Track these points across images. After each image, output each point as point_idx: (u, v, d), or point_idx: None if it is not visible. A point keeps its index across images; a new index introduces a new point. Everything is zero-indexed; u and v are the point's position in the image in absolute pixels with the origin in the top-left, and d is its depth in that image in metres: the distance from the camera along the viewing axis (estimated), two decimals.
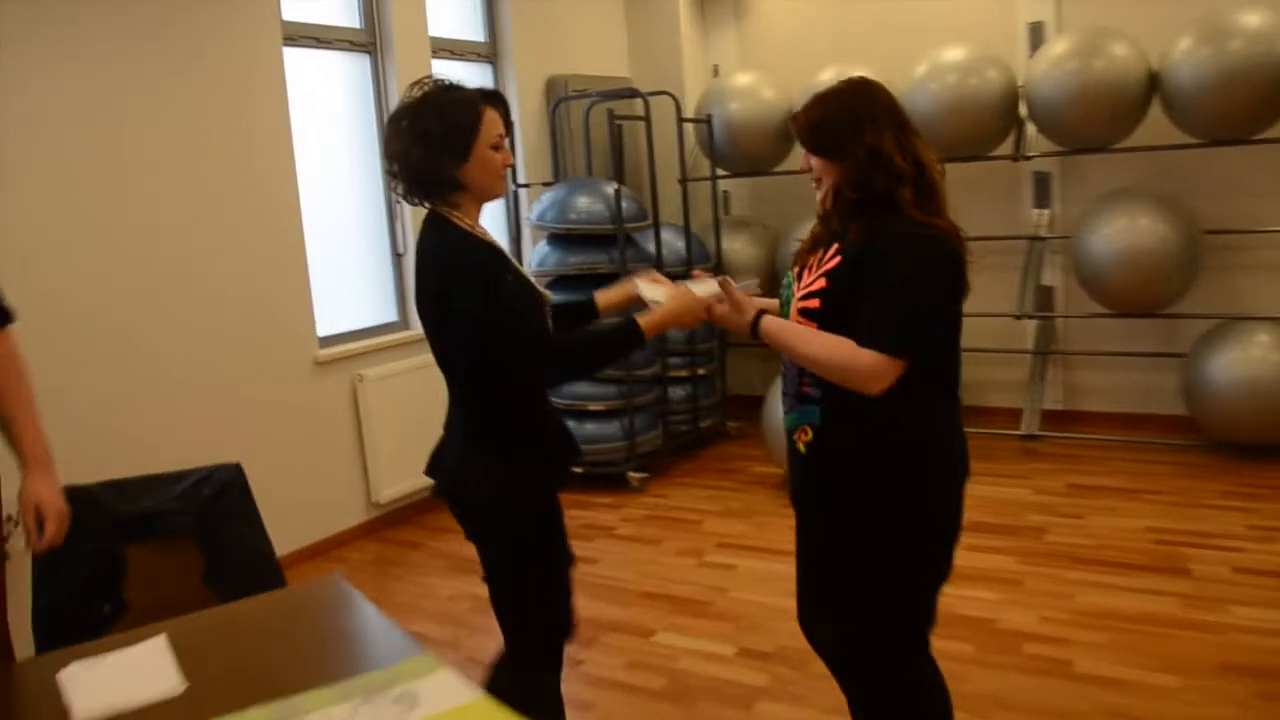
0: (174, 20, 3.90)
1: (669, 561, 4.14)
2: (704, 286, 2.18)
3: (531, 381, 2.09)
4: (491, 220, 5.49)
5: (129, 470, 2.75)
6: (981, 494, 4.49)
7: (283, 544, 4.15)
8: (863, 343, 1.85)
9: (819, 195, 2.02)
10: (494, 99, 2.10)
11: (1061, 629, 3.25)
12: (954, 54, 5.12)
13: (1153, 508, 4.27)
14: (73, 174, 3.61)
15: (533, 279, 2.18)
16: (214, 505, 2.63)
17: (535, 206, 5.09)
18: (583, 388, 5.01)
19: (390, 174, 2.08)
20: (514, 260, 2.14)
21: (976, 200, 5.56)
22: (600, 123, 5.21)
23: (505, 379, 2.04)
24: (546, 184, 5.25)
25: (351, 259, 4.83)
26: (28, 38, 3.46)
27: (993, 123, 5.14)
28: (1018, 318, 5.19)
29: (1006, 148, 5.30)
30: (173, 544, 2.62)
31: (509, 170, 2.15)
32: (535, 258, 5.09)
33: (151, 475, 2.71)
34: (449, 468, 2.17)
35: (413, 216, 4.88)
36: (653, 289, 2.26)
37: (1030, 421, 5.32)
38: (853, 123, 1.92)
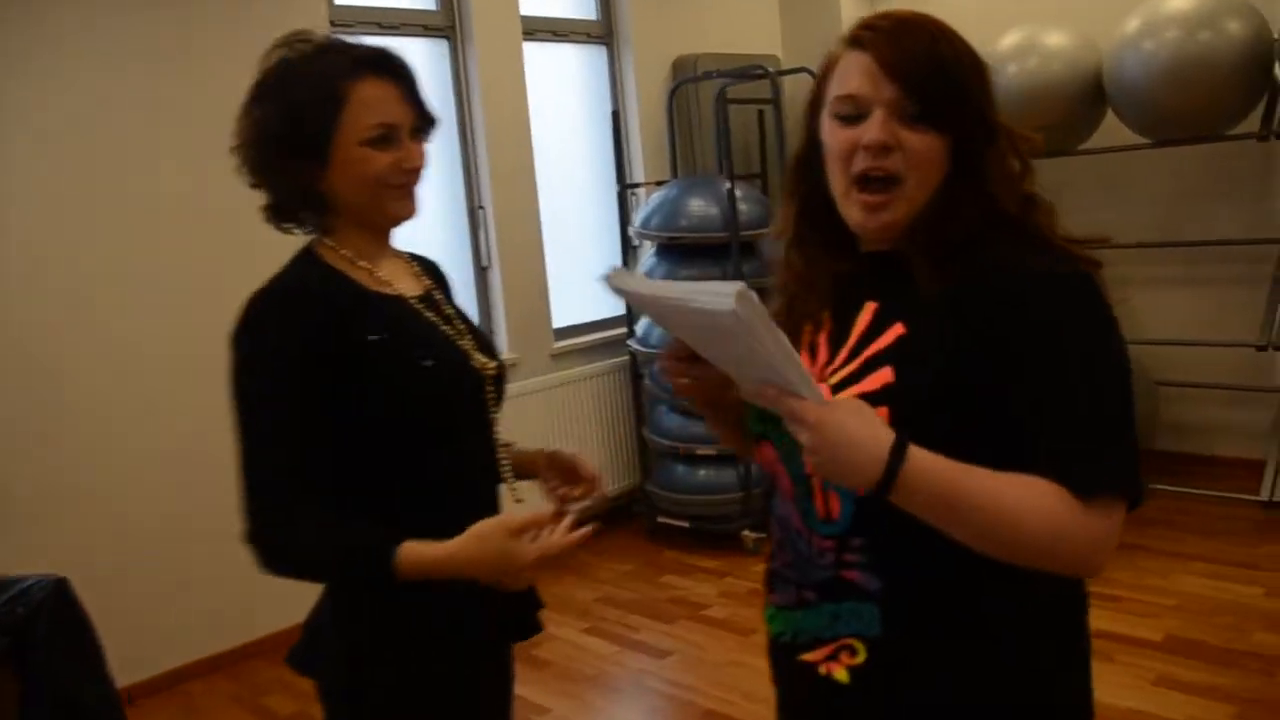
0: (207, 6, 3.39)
1: (756, 664, 3.28)
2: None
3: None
4: (599, 229, 4.74)
5: None
6: (1191, 592, 3.39)
7: (150, 666, 3.45)
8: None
9: (864, 210, 1.16)
10: (379, 65, 1.42)
11: None
12: (1179, 2, 3.92)
13: None
14: None
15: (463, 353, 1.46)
16: (30, 627, 2.04)
17: (640, 210, 4.30)
18: (696, 426, 4.19)
19: (251, 186, 1.41)
20: (432, 324, 1.46)
21: (1206, 192, 4.37)
22: (732, 110, 4.34)
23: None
24: (659, 183, 4.44)
25: None
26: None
27: (1234, 91, 3.88)
28: (1261, 348, 3.95)
29: (1253, 123, 4.05)
30: None
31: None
32: (641, 271, 4.31)
33: None
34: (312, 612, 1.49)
35: (496, 224, 4.21)
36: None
37: (1275, 483, 4.07)
38: (978, 74, 1.15)
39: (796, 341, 1.20)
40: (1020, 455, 1.04)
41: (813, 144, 1.22)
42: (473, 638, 1.45)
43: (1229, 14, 3.83)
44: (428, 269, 1.61)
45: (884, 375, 1.10)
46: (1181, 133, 4.06)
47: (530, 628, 1.58)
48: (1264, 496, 4.06)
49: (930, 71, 1.12)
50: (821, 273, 1.23)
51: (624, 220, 4.48)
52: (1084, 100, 4.17)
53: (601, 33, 4.72)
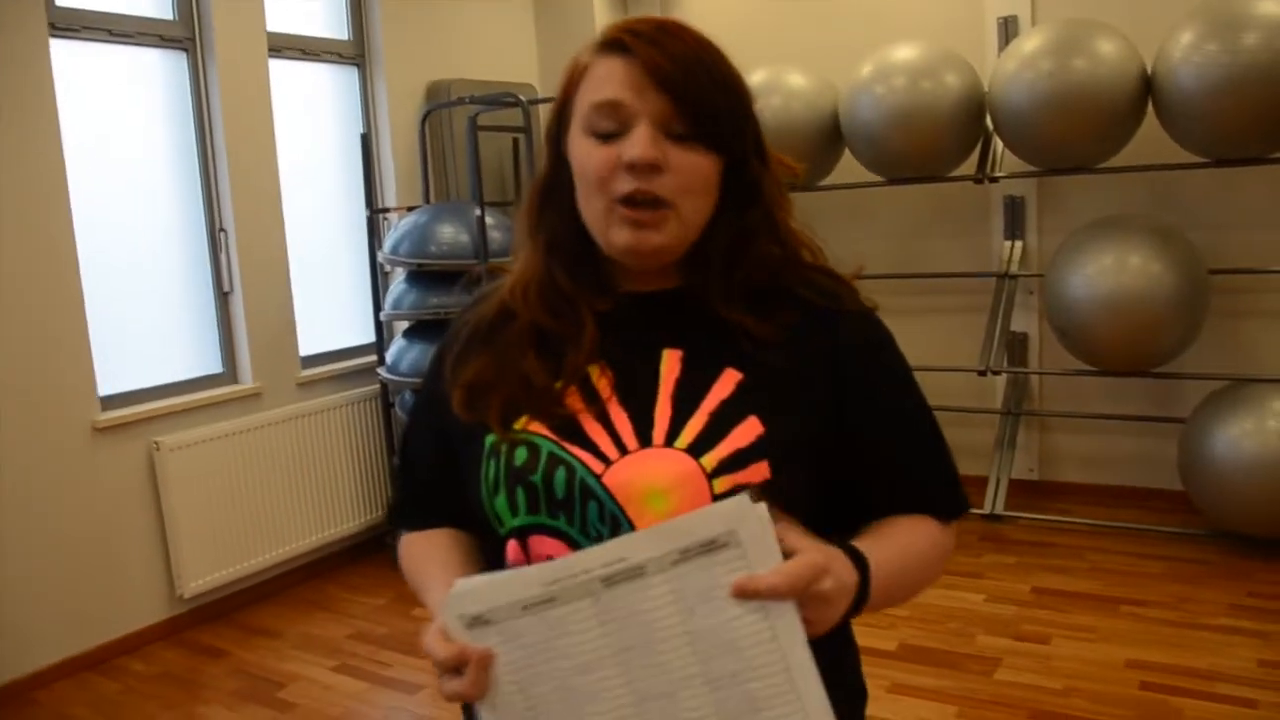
0: None
1: None
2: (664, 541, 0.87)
3: None
4: (349, 254, 4.60)
5: None
6: (922, 601, 3.57)
7: (57, 649, 3.48)
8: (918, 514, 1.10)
9: (633, 230, 1.00)
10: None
11: None
12: (905, 53, 4.20)
13: (1138, 629, 3.33)
14: None
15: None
16: None
17: (390, 235, 4.19)
18: None
19: None
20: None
21: (933, 230, 4.68)
22: (485, 137, 4.30)
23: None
24: (411, 208, 4.35)
25: (159, 298, 3.93)
26: None
27: (953, 136, 4.20)
28: (982, 373, 4.26)
29: (970, 167, 4.38)
30: None
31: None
32: (390, 298, 4.19)
33: None
34: None
35: (238, 248, 4.00)
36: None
37: (996, 497, 4.39)
38: (746, 91, 1.05)
39: (566, 401, 1.03)
40: (869, 488, 1.06)
41: (558, 168, 1.07)
42: None
43: (947, 67, 4.13)
44: None
45: (751, 427, 0.98)
46: (909, 172, 4.34)
47: None
48: (987, 510, 4.36)
49: (704, 82, 0.99)
50: (581, 320, 1.06)
51: (374, 246, 4.36)
52: (823, 139, 4.40)
53: (353, 54, 4.58)
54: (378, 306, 4.33)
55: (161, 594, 3.80)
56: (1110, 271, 3.82)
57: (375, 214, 4.38)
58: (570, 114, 1.04)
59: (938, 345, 4.55)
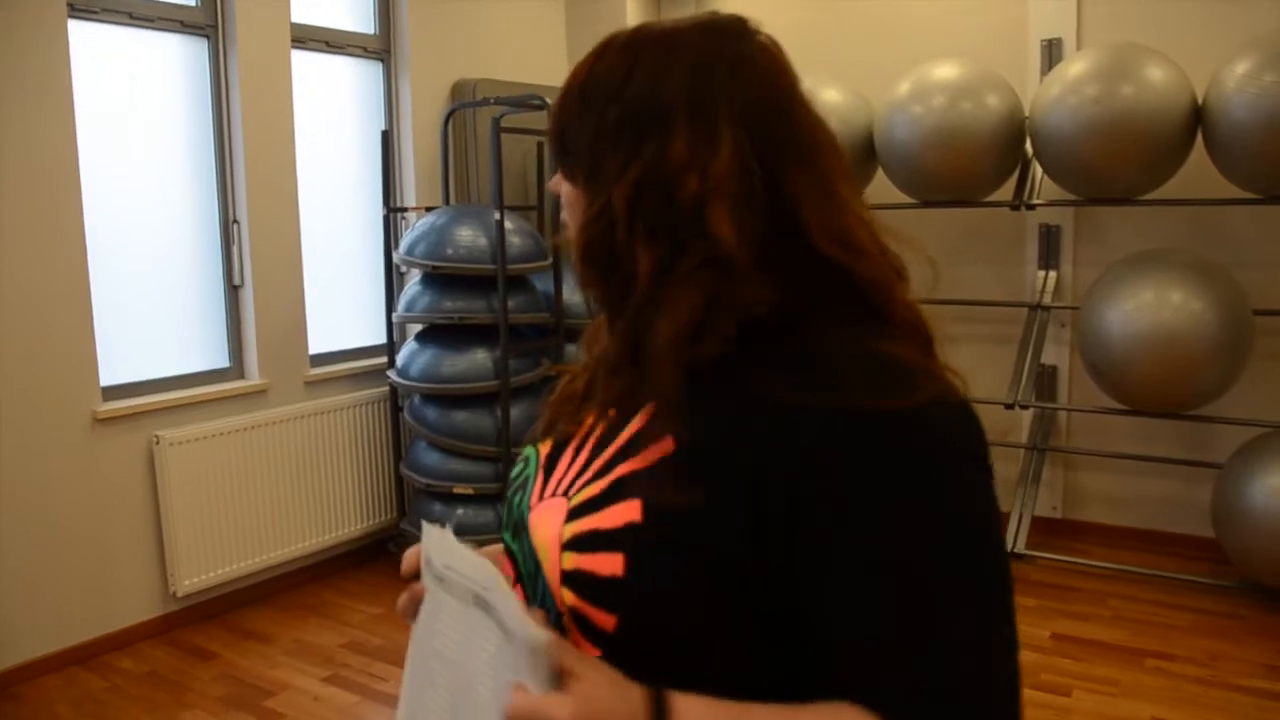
0: None
1: None
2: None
3: None
4: (364, 252, 4.50)
5: None
6: None
7: (45, 643, 3.38)
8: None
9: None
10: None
11: None
12: (945, 71, 4.07)
13: (1165, 686, 3.17)
14: None
15: None
16: None
17: (406, 235, 4.08)
18: (456, 464, 4.00)
19: None
20: None
21: (965, 256, 4.54)
22: (510, 139, 4.19)
23: None
24: (430, 208, 4.24)
25: (167, 288, 3.84)
26: None
27: (991, 160, 4.06)
28: (1009, 406, 4.11)
29: (1006, 192, 4.24)
30: None
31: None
32: (404, 300, 4.09)
33: None
34: None
35: (251, 241, 3.90)
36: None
37: (1018, 535, 4.23)
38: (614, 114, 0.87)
39: (587, 425, 0.94)
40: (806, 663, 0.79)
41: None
42: None
43: (988, 88, 4.00)
44: None
45: (627, 510, 0.80)
46: (943, 195, 4.20)
47: None
48: (1009, 548, 4.20)
49: (569, 99, 0.91)
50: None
51: (390, 245, 4.25)
52: (855, 157, 4.27)
53: (378, 49, 4.49)
54: (390, 307, 4.23)
55: (154, 591, 3.71)
56: (1150, 307, 3.67)
57: (392, 213, 4.27)
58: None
59: (964, 375, 4.39)
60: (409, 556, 0.97)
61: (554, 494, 0.90)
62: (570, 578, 0.82)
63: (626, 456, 0.84)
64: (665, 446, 0.81)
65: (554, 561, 0.84)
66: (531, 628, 0.74)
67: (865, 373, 0.79)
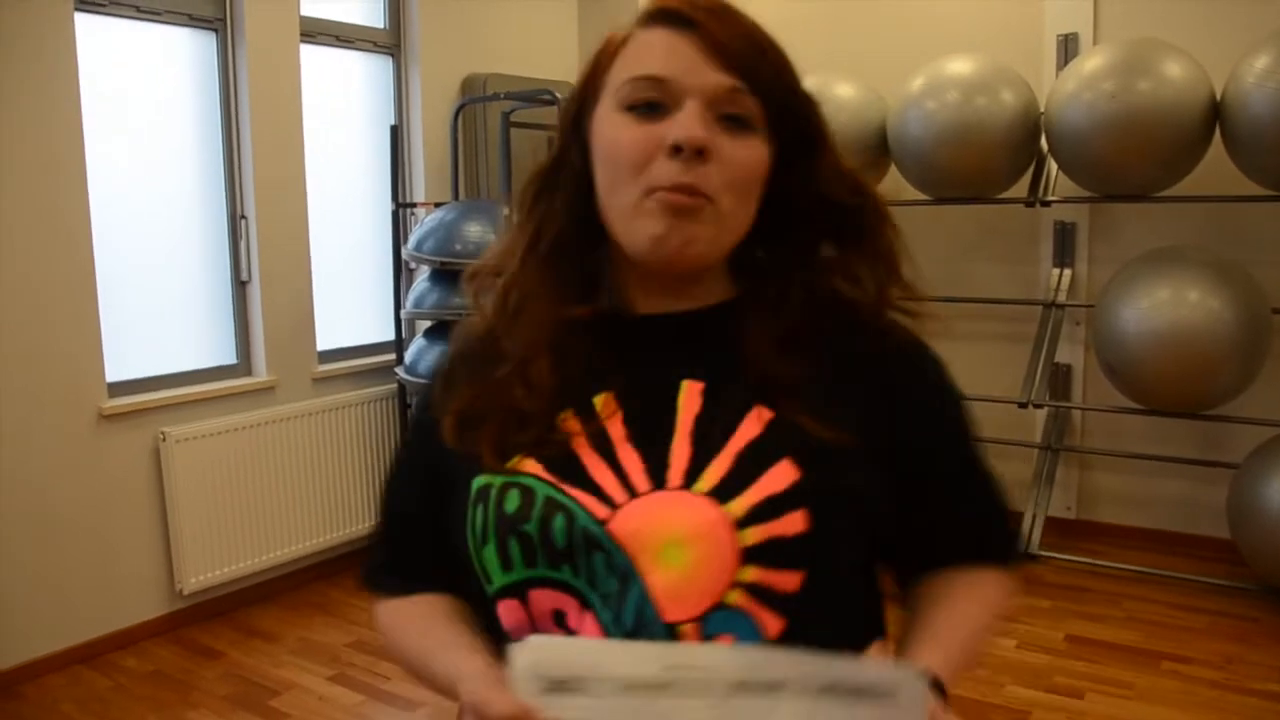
0: None
1: None
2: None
3: None
4: (373, 248, 4.47)
5: None
6: None
7: (49, 641, 3.39)
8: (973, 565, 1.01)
9: (671, 218, 0.86)
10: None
11: None
12: (959, 66, 4.02)
13: (1180, 690, 3.13)
14: None
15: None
16: None
17: (415, 231, 4.06)
18: None
19: None
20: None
21: (978, 253, 4.49)
22: (520, 134, 4.16)
23: None
24: (439, 204, 4.22)
25: (174, 284, 3.82)
26: None
27: (1005, 156, 4.02)
28: (1023, 405, 4.06)
29: (1021, 189, 4.19)
30: None
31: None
32: (412, 296, 4.06)
33: None
34: None
35: (259, 236, 3.88)
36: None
37: (1032, 535, 4.19)
38: (809, 96, 0.97)
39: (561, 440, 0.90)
40: (925, 536, 0.97)
41: (568, 153, 0.94)
42: None
43: (1003, 83, 3.95)
44: None
45: (785, 471, 0.84)
46: (957, 192, 4.16)
47: None
48: (1022, 549, 4.16)
49: (775, 61, 0.89)
50: (580, 339, 0.93)
51: (398, 241, 4.23)
52: (868, 153, 4.22)
53: (388, 43, 4.46)
54: (399, 304, 4.20)
55: (160, 589, 3.69)
56: (1166, 305, 3.62)
57: (401, 208, 4.25)
58: (599, 90, 0.91)
59: (977, 374, 4.34)
60: (501, 700, 0.74)
61: (643, 492, 0.86)
62: (756, 552, 0.83)
63: (729, 431, 0.87)
64: (764, 413, 0.87)
65: (717, 545, 0.83)
66: (909, 668, 0.77)
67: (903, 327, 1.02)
